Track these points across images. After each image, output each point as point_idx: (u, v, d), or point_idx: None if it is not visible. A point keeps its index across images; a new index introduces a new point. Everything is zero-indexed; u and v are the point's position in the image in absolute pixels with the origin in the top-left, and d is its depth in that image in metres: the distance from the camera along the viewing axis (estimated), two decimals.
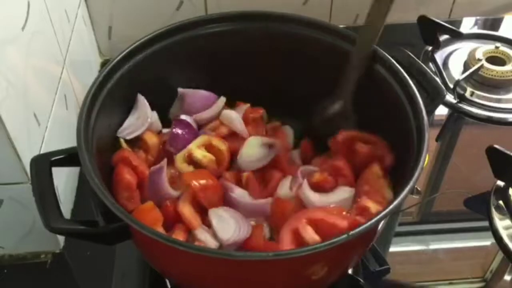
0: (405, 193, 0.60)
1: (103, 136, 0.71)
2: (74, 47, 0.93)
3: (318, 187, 0.73)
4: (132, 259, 0.79)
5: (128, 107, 0.79)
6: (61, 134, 0.84)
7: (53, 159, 0.65)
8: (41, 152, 0.74)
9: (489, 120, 1.00)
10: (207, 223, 0.70)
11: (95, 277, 0.79)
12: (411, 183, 0.60)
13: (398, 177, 0.70)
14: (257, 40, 0.84)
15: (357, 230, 0.56)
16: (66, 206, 0.83)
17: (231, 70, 0.86)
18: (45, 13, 0.80)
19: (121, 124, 0.78)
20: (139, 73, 0.77)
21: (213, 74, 0.86)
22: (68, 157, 0.66)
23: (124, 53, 0.75)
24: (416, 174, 0.61)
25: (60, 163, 0.66)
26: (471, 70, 1.02)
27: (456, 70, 1.07)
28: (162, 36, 0.79)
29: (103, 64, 1.14)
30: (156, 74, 0.80)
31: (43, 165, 0.64)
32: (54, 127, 0.80)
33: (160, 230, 0.67)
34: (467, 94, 1.03)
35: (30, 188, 0.63)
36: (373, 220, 0.57)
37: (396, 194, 0.63)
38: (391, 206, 0.59)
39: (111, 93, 0.72)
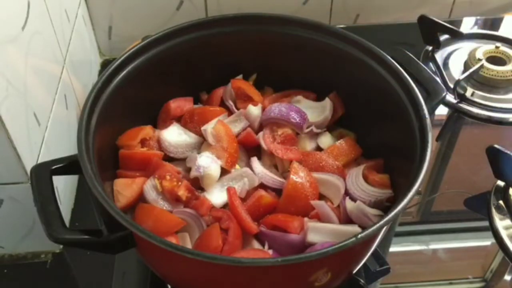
0: (412, 194, 0.60)
1: (103, 144, 0.71)
2: (74, 47, 0.93)
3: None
4: (132, 259, 0.79)
5: (128, 113, 0.78)
6: (61, 134, 0.84)
7: (53, 167, 0.65)
8: (41, 151, 0.75)
9: (489, 120, 1.00)
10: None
11: (95, 277, 0.79)
12: (416, 185, 0.61)
13: (401, 177, 0.70)
14: (257, 41, 0.84)
15: (365, 233, 0.56)
16: (66, 206, 0.84)
17: (231, 71, 0.87)
18: (45, 13, 0.80)
19: (121, 131, 0.78)
20: (138, 78, 0.77)
21: (213, 75, 0.87)
22: (69, 165, 0.65)
23: (122, 58, 0.75)
24: (421, 175, 0.61)
25: (61, 171, 0.65)
26: (471, 70, 1.02)
27: (456, 70, 1.07)
28: (161, 40, 0.79)
29: (103, 64, 1.14)
30: (156, 77, 0.80)
31: (43, 174, 0.64)
32: (54, 127, 0.80)
33: (171, 238, 0.67)
34: (467, 94, 1.03)
35: (30, 188, 0.63)
36: (381, 222, 0.57)
37: (399, 194, 0.63)
38: (398, 208, 0.59)
39: (110, 99, 0.72)
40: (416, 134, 0.68)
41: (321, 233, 0.67)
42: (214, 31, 0.82)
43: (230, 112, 0.84)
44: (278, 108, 0.80)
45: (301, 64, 0.84)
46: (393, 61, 0.75)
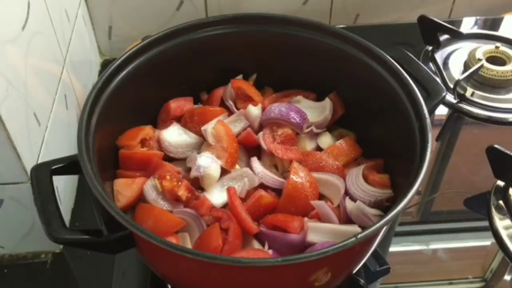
0: (412, 194, 0.60)
1: (103, 144, 0.71)
2: (74, 47, 0.93)
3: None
4: (132, 259, 0.79)
5: (128, 113, 0.78)
6: (61, 134, 0.84)
7: (53, 167, 0.65)
8: (41, 151, 0.74)
9: (489, 120, 1.00)
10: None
11: (95, 277, 0.79)
12: (416, 185, 0.61)
13: (401, 177, 0.70)
14: (257, 41, 0.84)
15: (365, 233, 0.56)
16: (66, 206, 0.84)
17: (231, 71, 0.87)
18: (45, 13, 0.80)
19: (121, 131, 0.78)
20: (138, 78, 0.77)
21: (213, 75, 0.87)
22: (69, 165, 0.65)
23: (122, 58, 0.75)
24: (421, 175, 0.61)
25: (61, 171, 0.65)
26: (471, 70, 1.02)
27: (456, 70, 1.08)
28: (161, 40, 0.79)
29: (103, 64, 1.14)
30: (156, 77, 0.80)
31: (43, 174, 0.64)
32: (54, 127, 0.80)
33: (171, 238, 0.67)
34: (467, 94, 1.03)
35: (30, 188, 0.63)
36: (381, 222, 0.57)
37: (399, 194, 0.63)
38: (398, 208, 0.59)
39: (110, 99, 0.72)
40: (416, 134, 0.68)
41: (321, 233, 0.67)
42: (214, 31, 0.82)
43: (230, 112, 0.84)
44: (278, 108, 0.80)
45: (301, 64, 0.84)
46: (393, 61, 0.75)
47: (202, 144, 0.80)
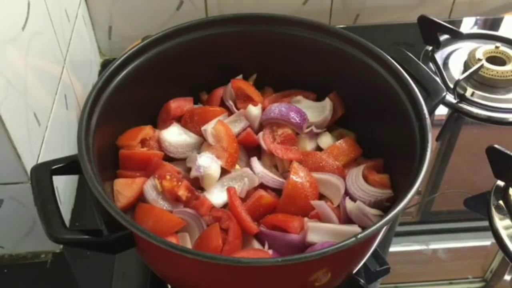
0: (412, 194, 0.60)
1: (103, 144, 0.71)
2: (74, 47, 0.93)
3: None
4: (132, 259, 0.79)
5: (128, 113, 0.78)
6: (61, 134, 0.84)
7: (53, 167, 0.65)
8: (41, 151, 0.75)
9: (489, 120, 1.00)
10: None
11: (95, 277, 0.79)
12: (416, 185, 0.61)
13: (401, 177, 0.70)
14: (257, 41, 0.84)
15: (365, 233, 0.56)
16: (66, 206, 0.84)
17: (231, 71, 0.87)
18: (45, 13, 0.80)
19: (121, 131, 0.78)
20: (138, 78, 0.77)
21: (213, 75, 0.87)
22: (69, 165, 0.65)
23: (122, 58, 0.75)
24: (421, 175, 0.62)
25: (61, 171, 0.65)
26: (471, 70, 1.02)
27: (456, 70, 1.08)
28: (161, 40, 0.79)
29: (103, 64, 1.14)
30: (156, 77, 0.80)
31: (43, 174, 0.64)
32: (54, 127, 0.80)
33: (171, 238, 0.67)
34: (467, 94, 1.03)
35: (30, 188, 0.63)
36: (381, 222, 0.57)
37: (399, 194, 0.63)
38: (398, 208, 0.59)
39: (110, 99, 0.72)
40: (416, 134, 0.68)
41: (321, 233, 0.67)
42: (214, 31, 0.82)
43: (230, 112, 0.84)
44: (278, 108, 0.80)
45: (301, 64, 0.84)
46: (393, 61, 0.75)
47: (202, 144, 0.80)
